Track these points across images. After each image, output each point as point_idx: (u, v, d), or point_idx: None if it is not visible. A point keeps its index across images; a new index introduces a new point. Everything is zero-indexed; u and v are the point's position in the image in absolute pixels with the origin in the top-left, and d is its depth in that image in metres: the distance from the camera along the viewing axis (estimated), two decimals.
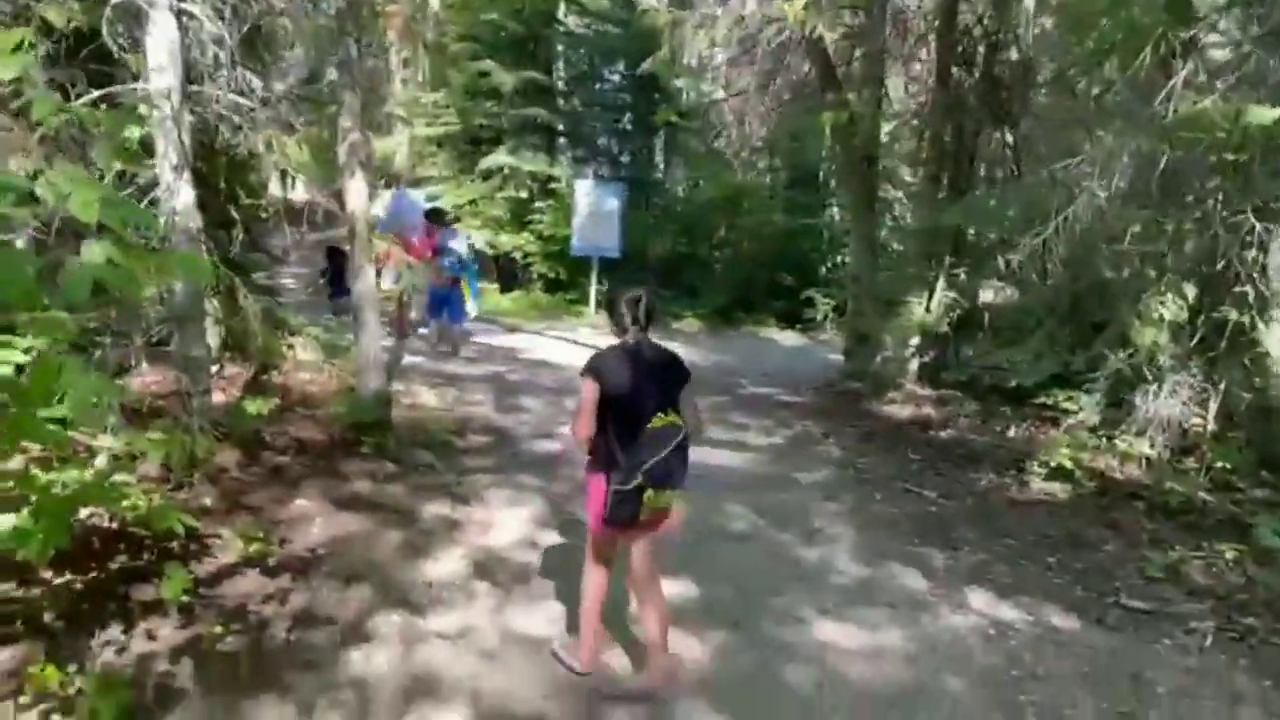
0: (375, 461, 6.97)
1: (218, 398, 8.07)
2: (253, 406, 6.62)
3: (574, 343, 14.38)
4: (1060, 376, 7.98)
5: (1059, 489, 6.80)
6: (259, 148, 6.81)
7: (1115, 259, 6.95)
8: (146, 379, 6.88)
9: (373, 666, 4.15)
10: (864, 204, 10.23)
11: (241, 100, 6.46)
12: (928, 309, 9.37)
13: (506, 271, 18.45)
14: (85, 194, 2.75)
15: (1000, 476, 7.16)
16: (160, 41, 5.97)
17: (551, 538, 5.85)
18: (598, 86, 20.39)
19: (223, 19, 6.18)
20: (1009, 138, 9.30)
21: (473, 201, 17.80)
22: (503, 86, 17.32)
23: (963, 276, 9.09)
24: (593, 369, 3.89)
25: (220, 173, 7.06)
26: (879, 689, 4.13)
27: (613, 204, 16.85)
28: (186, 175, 6.12)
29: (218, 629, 4.28)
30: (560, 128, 19.21)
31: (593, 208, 16.77)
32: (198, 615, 4.47)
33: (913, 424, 8.73)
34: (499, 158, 17.57)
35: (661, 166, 23.24)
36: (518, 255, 17.75)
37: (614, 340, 4.09)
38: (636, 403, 3.84)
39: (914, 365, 9.79)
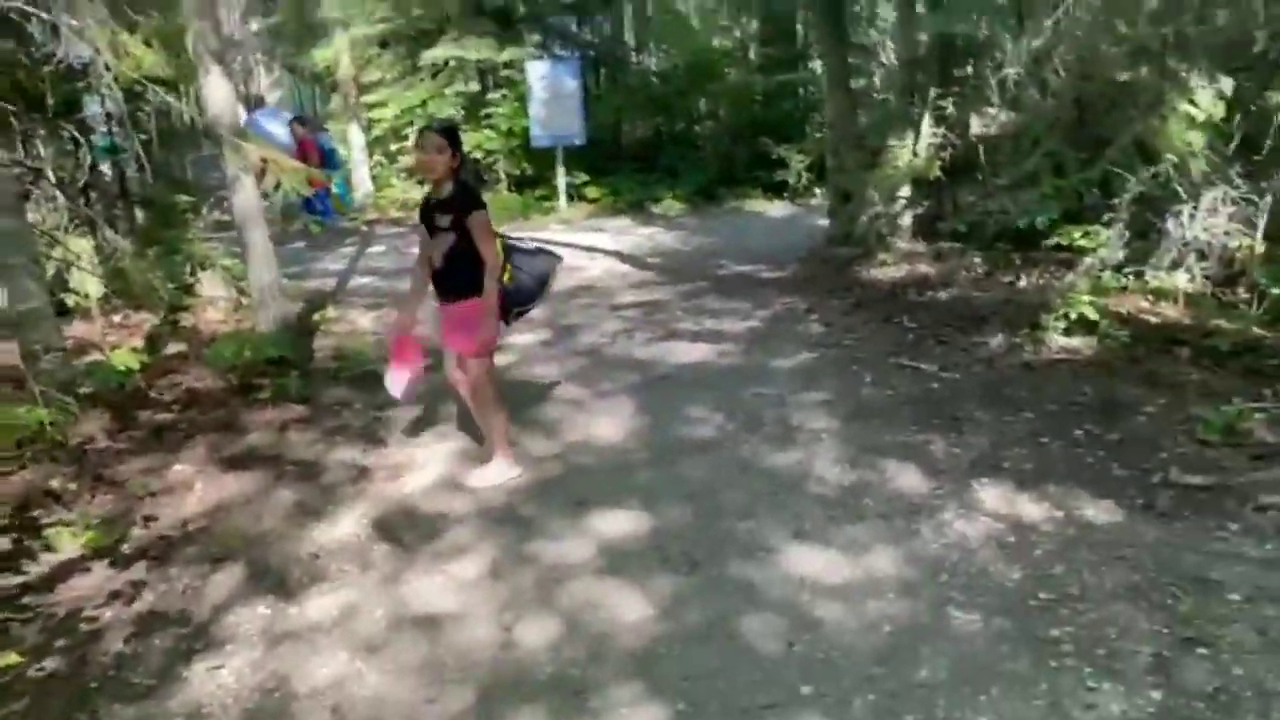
0: (280, 407, 5.98)
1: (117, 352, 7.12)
2: (120, 360, 5.60)
3: (546, 242, 13.13)
4: (1074, 213, 6.81)
5: (1082, 344, 5.72)
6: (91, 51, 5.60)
7: (1130, 54, 5.68)
8: None
9: (217, 684, 3.21)
10: (833, 37, 8.88)
11: None
12: (914, 152, 8.14)
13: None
14: None
15: (1012, 336, 6.08)
16: None
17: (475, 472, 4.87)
18: None
19: None
20: None
21: (423, 103, 16.39)
22: None
23: (951, 109, 7.81)
24: (484, 203, 4.38)
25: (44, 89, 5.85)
26: (865, 640, 3.14)
27: (571, 85, 15.42)
28: None
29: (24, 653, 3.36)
30: (509, 8, 17.58)
31: (550, 92, 15.36)
32: (11, 634, 3.56)
33: (907, 287, 7.60)
34: (441, 50, 16.08)
35: (633, 41, 21.60)
36: (479, 155, 16.40)
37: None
38: None
39: (906, 219, 8.61)
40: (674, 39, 18.25)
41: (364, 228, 15.85)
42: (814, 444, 4.89)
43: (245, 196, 6.29)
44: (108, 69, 5.53)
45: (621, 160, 17.76)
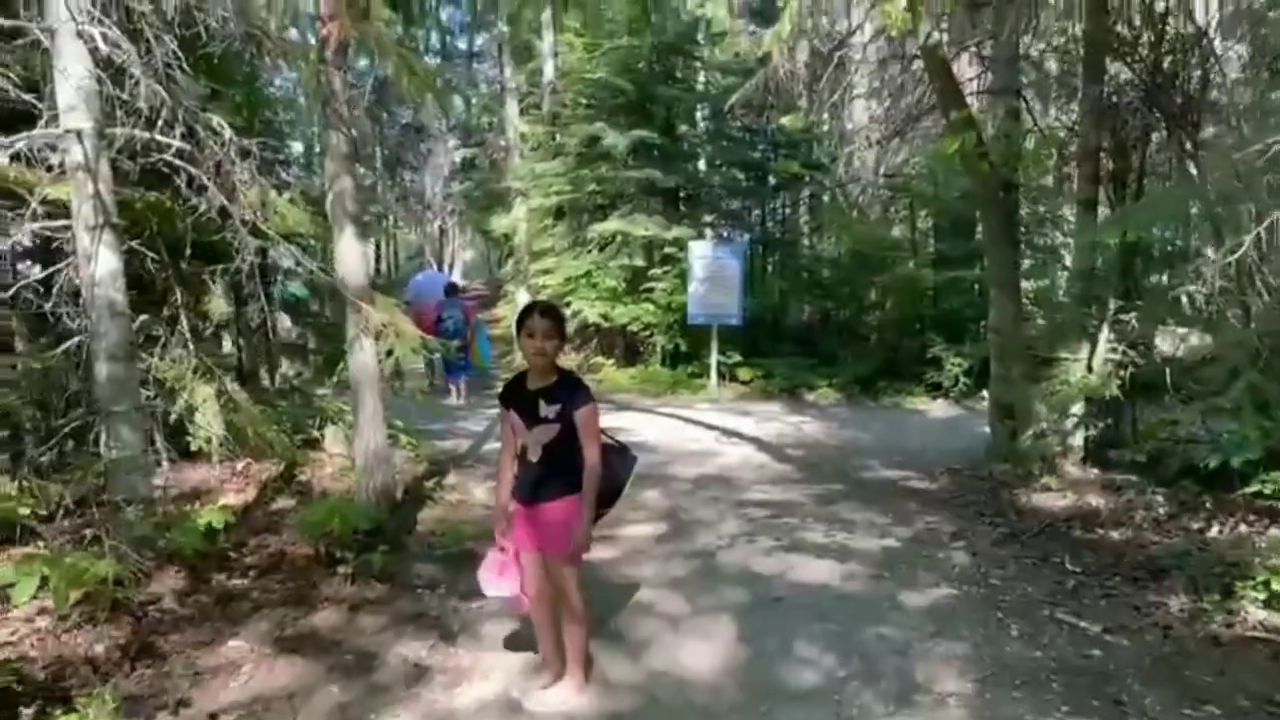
0: (361, 583, 5.61)
1: (234, 499, 7.02)
2: (207, 517, 5.40)
3: (687, 420, 12.80)
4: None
5: None
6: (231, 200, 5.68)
7: None
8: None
9: None
10: (1003, 241, 8.27)
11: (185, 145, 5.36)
12: (1089, 367, 7.28)
13: (626, 346, 17.18)
14: None
15: (1197, 600, 5.05)
16: (69, 74, 4.96)
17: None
18: (723, 144, 19.04)
19: (146, 41, 5.12)
20: (1187, 144, 7.21)
21: (587, 273, 16.67)
22: (614, 149, 16.24)
23: (1134, 325, 6.97)
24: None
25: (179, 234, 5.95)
26: None
27: (733, 266, 15.32)
28: (107, 237, 5.03)
29: None
30: (680, 189, 17.93)
31: (710, 271, 15.30)
32: None
33: (1072, 520, 6.62)
34: (610, 224, 16.41)
35: (804, 225, 21.63)
36: (635, 327, 16.42)
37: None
38: None
39: (1077, 440, 7.66)
40: (844, 225, 18.03)
41: None
42: (938, 711, 4.05)
43: (363, 358, 6.15)
44: (244, 224, 5.57)
45: (781, 343, 17.38)
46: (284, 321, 10.49)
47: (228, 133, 5.43)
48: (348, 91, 6.20)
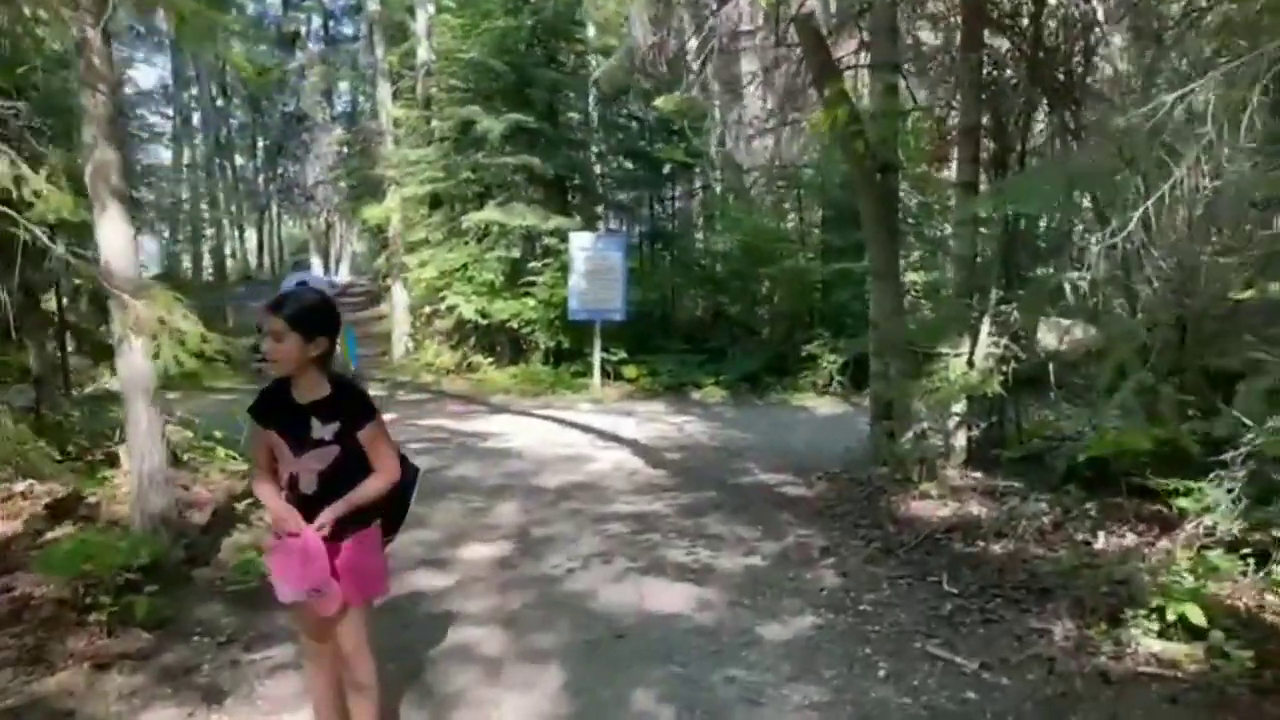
0: (122, 631, 4.66)
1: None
2: None
3: (564, 423, 12.02)
4: (1169, 454, 5.29)
5: (1184, 654, 4.10)
6: None
7: (1249, 262, 4.31)
8: None
9: None
10: (882, 227, 7.67)
11: None
12: (970, 362, 6.74)
13: (510, 343, 16.29)
14: None
15: (1084, 627, 4.48)
16: None
17: None
18: (612, 132, 18.29)
19: None
20: (1070, 123, 6.71)
21: (463, 266, 15.74)
22: (489, 134, 15.32)
23: (1014, 316, 6.43)
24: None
25: None
26: None
27: (615, 259, 14.61)
28: None
29: None
30: (566, 179, 17.09)
31: (593, 264, 14.56)
32: None
33: (953, 532, 6.03)
34: (486, 213, 15.49)
35: (698, 217, 21.04)
36: (515, 324, 15.55)
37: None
38: None
39: (959, 441, 7.12)
40: (734, 217, 17.45)
41: (384, 392, 14.97)
42: None
43: (133, 360, 5.18)
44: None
45: (670, 339, 16.72)
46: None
47: None
48: (110, 47, 5.22)
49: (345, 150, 25.66)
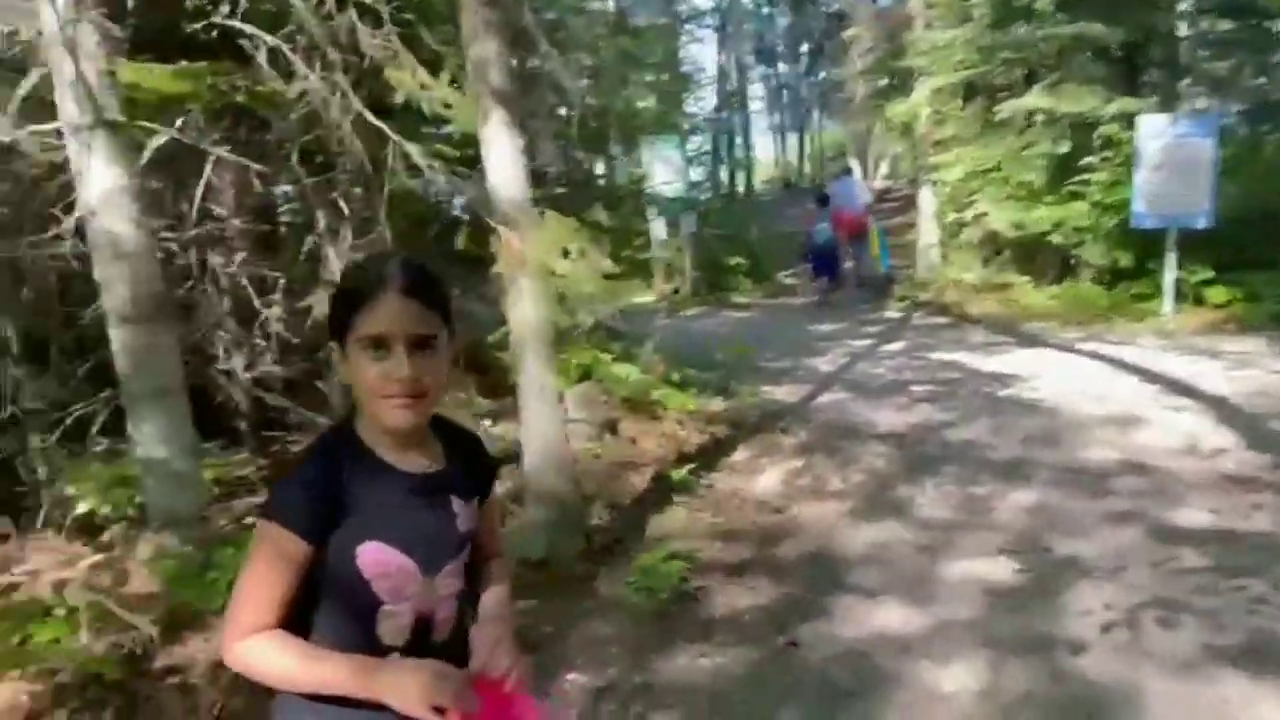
0: None
1: None
2: None
3: (1118, 365, 9.31)
4: None
5: None
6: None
7: None
8: None
9: None
10: None
11: None
12: None
13: (1058, 259, 13.53)
14: None
15: None
16: None
17: None
18: None
19: None
20: None
21: (997, 166, 13.26)
22: (1038, 2, 12.48)
23: None
24: None
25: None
26: None
27: (1200, 147, 11.10)
28: (101, 143, 3.58)
29: None
30: (1132, 49, 13.54)
31: (1168, 156, 11.22)
32: None
33: None
34: (1028, 100, 12.74)
35: None
36: (1058, 238, 12.75)
37: None
38: None
39: None
40: None
41: (898, 313, 13.34)
42: None
43: (520, 308, 4.18)
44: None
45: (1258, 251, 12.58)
46: None
47: None
48: None
49: (873, 45, 23.74)
